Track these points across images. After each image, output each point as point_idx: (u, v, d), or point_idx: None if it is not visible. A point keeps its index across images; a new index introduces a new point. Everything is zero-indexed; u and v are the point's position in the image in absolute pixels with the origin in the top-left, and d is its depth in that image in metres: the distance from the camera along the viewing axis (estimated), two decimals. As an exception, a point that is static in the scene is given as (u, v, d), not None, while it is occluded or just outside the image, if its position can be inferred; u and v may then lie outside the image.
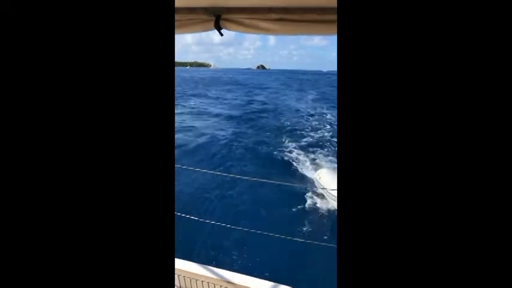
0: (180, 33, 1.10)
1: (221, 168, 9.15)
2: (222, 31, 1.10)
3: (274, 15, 1.03)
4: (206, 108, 21.51)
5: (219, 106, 23.05)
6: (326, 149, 10.84)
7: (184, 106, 22.14)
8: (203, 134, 13.30)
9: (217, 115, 18.74)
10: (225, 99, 27.93)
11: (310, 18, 1.03)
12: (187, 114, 19.00)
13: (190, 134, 13.35)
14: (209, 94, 32.24)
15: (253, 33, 1.06)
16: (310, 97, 29.92)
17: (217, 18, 1.07)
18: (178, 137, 12.47)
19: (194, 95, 31.00)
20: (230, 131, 14.13)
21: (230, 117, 17.79)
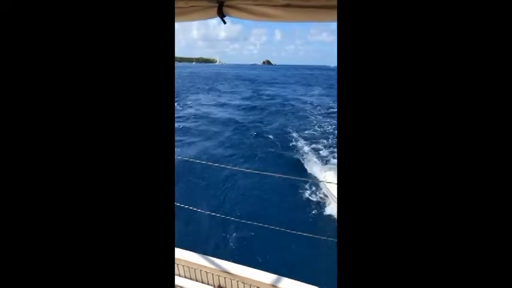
0: (181, 21, 1.02)
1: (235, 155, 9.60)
2: (225, 19, 1.03)
3: (281, 1, 0.96)
4: (223, 101, 22.45)
5: (235, 99, 24.05)
6: (329, 141, 11.14)
7: (200, 100, 23.06)
8: (222, 123, 14.25)
9: (236, 106, 19.74)
10: (240, 93, 29.21)
11: (318, 3, 0.96)
12: (208, 106, 20.00)
13: (212, 124, 14.22)
14: (223, 89, 33.33)
15: (258, 20, 0.99)
16: (316, 92, 30.35)
17: (220, 5, 0.99)
18: (201, 127, 13.37)
19: (211, 89, 32.41)
20: (243, 121, 14.75)
21: (244, 109, 18.59)
